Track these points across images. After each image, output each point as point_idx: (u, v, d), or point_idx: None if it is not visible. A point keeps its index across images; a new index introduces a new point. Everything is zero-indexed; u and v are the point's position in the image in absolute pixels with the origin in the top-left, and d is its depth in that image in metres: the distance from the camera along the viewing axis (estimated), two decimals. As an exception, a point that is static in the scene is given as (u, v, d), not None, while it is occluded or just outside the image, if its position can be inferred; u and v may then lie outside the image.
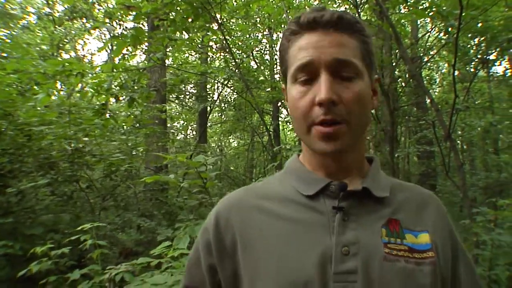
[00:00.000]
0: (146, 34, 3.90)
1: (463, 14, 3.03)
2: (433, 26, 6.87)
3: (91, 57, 16.03)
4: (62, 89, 7.89)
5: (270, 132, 8.03)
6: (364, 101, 0.75)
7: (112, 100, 4.53)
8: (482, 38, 6.04)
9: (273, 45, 9.98)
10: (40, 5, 12.89)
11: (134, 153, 6.30)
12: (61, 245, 3.04)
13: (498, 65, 7.97)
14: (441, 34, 6.31)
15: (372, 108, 0.80)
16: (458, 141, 12.12)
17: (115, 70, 3.79)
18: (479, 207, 3.34)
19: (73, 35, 13.91)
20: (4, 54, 5.39)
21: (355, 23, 0.76)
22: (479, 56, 6.64)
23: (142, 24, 7.36)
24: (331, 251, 0.69)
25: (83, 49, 16.24)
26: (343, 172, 0.79)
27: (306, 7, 7.76)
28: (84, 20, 12.92)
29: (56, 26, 12.86)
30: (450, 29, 4.18)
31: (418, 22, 8.21)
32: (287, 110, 9.96)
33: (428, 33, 7.65)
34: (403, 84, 7.74)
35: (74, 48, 15.00)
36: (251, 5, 5.41)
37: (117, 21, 10.39)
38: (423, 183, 9.00)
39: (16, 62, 3.83)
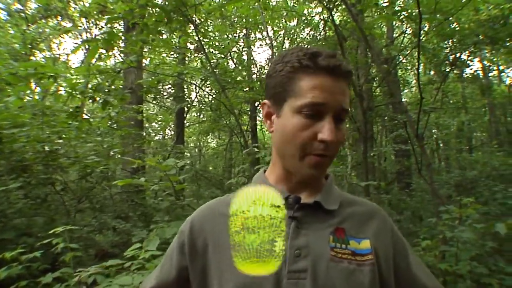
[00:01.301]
0: (121, 35, 3.88)
1: (430, 17, 3.15)
2: (407, 26, 7.03)
3: (67, 57, 15.73)
4: (36, 91, 7.73)
5: (246, 132, 8.07)
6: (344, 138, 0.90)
7: (89, 100, 4.48)
8: (454, 40, 6.23)
9: (250, 46, 10.01)
10: (11, 1, 12.41)
11: (112, 154, 6.24)
12: (34, 249, 3.00)
13: (466, 67, 8.20)
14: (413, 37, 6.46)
15: None
16: (434, 139, 12.39)
17: (89, 73, 3.77)
18: (449, 205, 3.46)
19: (47, 34, 13.57)
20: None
21: (351, 73, 0.89)
22: (451, 58, 6.83)
23: (118, 23, 7.28)
24: (285, 253, 0.80)
25: (58, 49, 15.90)
26: (301, 187, 0.93)
27: (282, 9, 7.84)
28: (60, 19, 12.65)
29: (29, 24, 12.54)
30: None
31: (394, 23, 8.36)
32: (265, 126, 9.95)
33: (403, 34, 7.81)
34: (378, 83, 7.86)
35: (49, 47, 14.67)
36: (226, 7, 5.43)
37: (93, 20, 10.24)
38: (399, 181, 9.16)
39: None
